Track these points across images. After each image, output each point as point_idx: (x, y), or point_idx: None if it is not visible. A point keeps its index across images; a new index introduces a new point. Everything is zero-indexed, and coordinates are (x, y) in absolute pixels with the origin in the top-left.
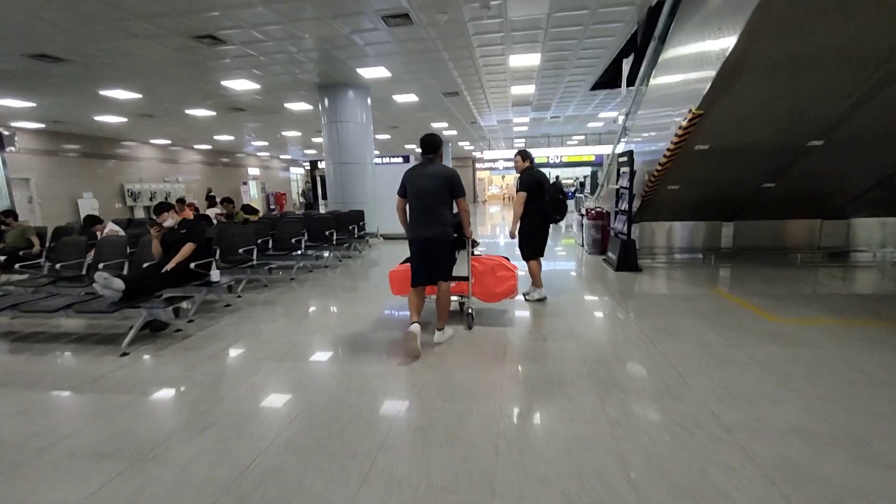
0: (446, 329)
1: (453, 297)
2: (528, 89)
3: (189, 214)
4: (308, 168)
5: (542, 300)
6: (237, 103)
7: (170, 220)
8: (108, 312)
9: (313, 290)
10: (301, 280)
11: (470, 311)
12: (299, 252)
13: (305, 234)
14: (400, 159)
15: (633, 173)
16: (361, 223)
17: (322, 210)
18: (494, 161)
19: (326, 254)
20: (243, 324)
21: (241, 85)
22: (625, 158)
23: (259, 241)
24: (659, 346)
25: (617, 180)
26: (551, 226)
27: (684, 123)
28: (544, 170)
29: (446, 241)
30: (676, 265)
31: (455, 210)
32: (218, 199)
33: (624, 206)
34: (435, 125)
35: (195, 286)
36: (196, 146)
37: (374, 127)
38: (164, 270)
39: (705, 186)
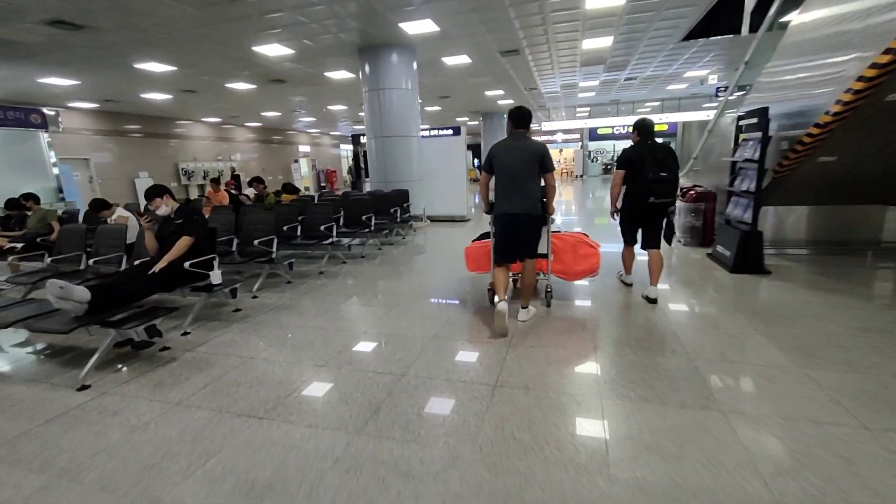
0: (530, 307)
1: None
2: (604, 42)
3: (224, 197)
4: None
5: (628, 285)
6: (275, 73)
7: (164, 208)
8: (63, 332)
9: (342, 290)
10: (331, 274)
11: (549, 289)
12: (331, 241)
13: (341, 219)
14: (450, 131)
15: (766, 141)
16: (406, 204)
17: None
18: (553, 133)
19: (364, 241)
20: (244, 341)
21: (273, 51)
22: (752, 121)
23: (285, 227)
24: (885, 438)
25: (734, 151)
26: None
27: (884, 59)
28: (605, 143)
29: (536, 216)
30: (815, 265)
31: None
32: (244, 180)
33: (748, 185)
34: (489, 93)
35: (193, 289)
36: (246, 124)
37: (422, 98)
38: (151, 272)
39: (884, 156)
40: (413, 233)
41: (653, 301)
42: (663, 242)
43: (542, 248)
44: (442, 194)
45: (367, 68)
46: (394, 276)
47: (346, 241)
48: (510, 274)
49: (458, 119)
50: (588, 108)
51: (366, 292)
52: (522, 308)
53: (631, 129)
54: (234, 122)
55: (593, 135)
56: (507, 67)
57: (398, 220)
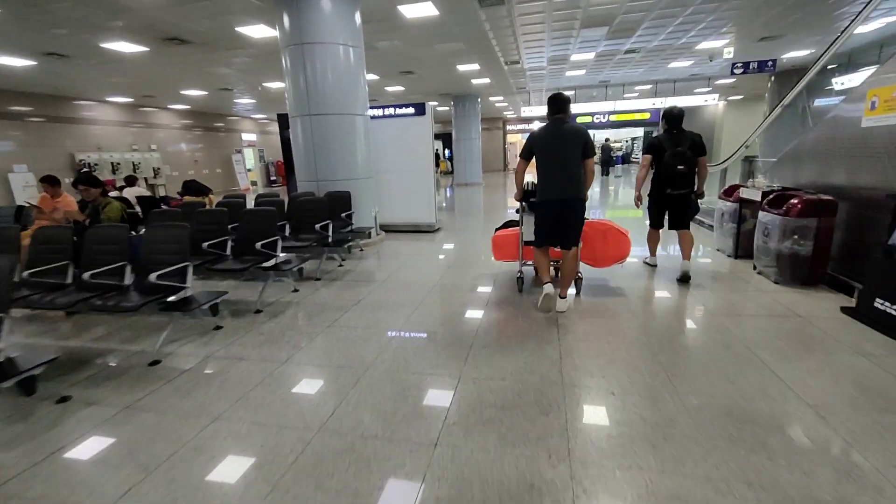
0: (568, 297)
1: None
2: None
3: (65, 205)
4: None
5: (653, 266)
6: (165, 27)
7: None
8: None
9: (144, 437)
10: (168, 369)
11: (579, 275)
12: (182, 295)
13: (228, 246)
14: (411, 110)
15: None
16: (345, 214)
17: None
18: (530, 122)
19: (275, 277)
20: None
21: None
22: None
23: (100, 270)
24: None
25: None
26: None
27: None
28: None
29: (582, 200)
30: None
31: None
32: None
33: None
34: (462, 69)
35: None
36: (170, 106)
37: (379, 74)
38: None
39: None
40: (359, 253)
41: (686, 279)
42: None
43: None
44: (401, 196)
45: (285, 17)
46: (302, 370)
47: (233, 279)
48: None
49: (431, 104)
50: (573, 91)
51: (206, 440)
52: (561, 297)
53: (661, 118)
54: (151, 104)
55: (571, 121)
56: (487, 27)
57: (330, 239)
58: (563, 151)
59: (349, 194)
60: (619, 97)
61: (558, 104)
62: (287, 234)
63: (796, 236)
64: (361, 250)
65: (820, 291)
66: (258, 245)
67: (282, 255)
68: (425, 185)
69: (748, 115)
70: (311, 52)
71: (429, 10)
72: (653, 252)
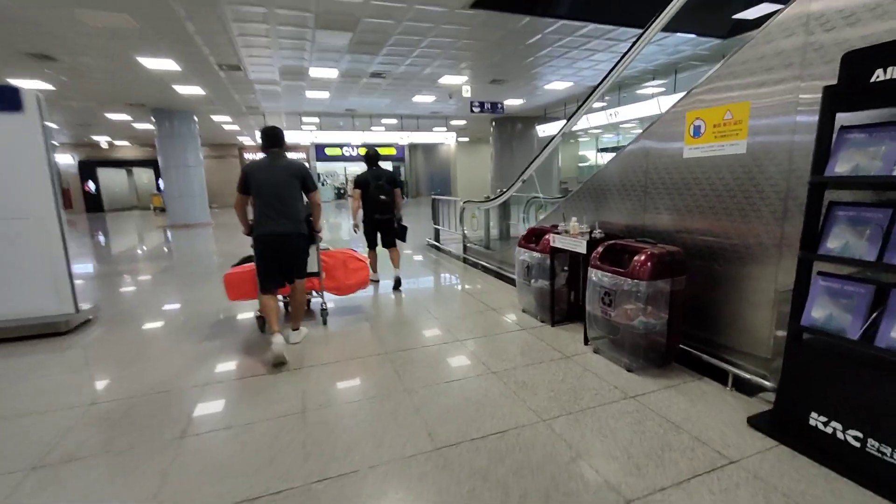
0: (301, 328)
1: None
2: None
3: None
4: None
5: (375, 282)
6: None
7: None
8: None
9: None
10: None
11: (324, 306)
12: None
13: None
14: None
15: None
16: None
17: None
18: None
19: None
20: None
21: None
22: None
23: None
24: None
25: (816, 163)
26: None
27: None
28: (335, 164)
29: (302, 234)
30: None
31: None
32: None
33: None
34: (152, 64)
35: None
36: None
37: (8, 65)
38: None
39: None
40: None
41: (398, 284)
42: None
43: (312, 267)
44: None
45: None
46: None
47: None
48: (280, 297)
49: (113, 116)
50: (317, 118)
51: None
52: (293, 330)
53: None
54: None
55: (321, 154)
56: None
57: None
58: (279, 184)
59: None
60: (366, 128)
61: (269, 138)
62: None
63: (650, 307)
64: None
65: (687, 380)
66: None
67: None
68: (43, 243)
69: (476, 155)
70: None
71: None
72: (374, 269)
